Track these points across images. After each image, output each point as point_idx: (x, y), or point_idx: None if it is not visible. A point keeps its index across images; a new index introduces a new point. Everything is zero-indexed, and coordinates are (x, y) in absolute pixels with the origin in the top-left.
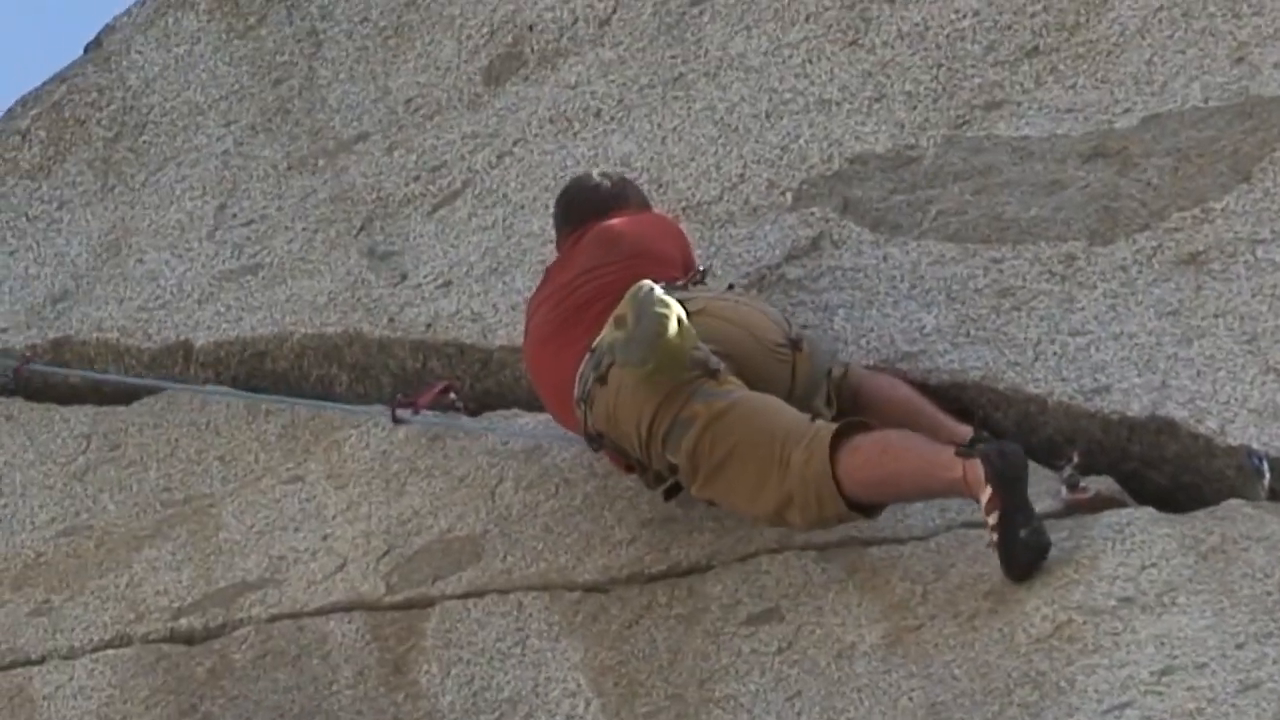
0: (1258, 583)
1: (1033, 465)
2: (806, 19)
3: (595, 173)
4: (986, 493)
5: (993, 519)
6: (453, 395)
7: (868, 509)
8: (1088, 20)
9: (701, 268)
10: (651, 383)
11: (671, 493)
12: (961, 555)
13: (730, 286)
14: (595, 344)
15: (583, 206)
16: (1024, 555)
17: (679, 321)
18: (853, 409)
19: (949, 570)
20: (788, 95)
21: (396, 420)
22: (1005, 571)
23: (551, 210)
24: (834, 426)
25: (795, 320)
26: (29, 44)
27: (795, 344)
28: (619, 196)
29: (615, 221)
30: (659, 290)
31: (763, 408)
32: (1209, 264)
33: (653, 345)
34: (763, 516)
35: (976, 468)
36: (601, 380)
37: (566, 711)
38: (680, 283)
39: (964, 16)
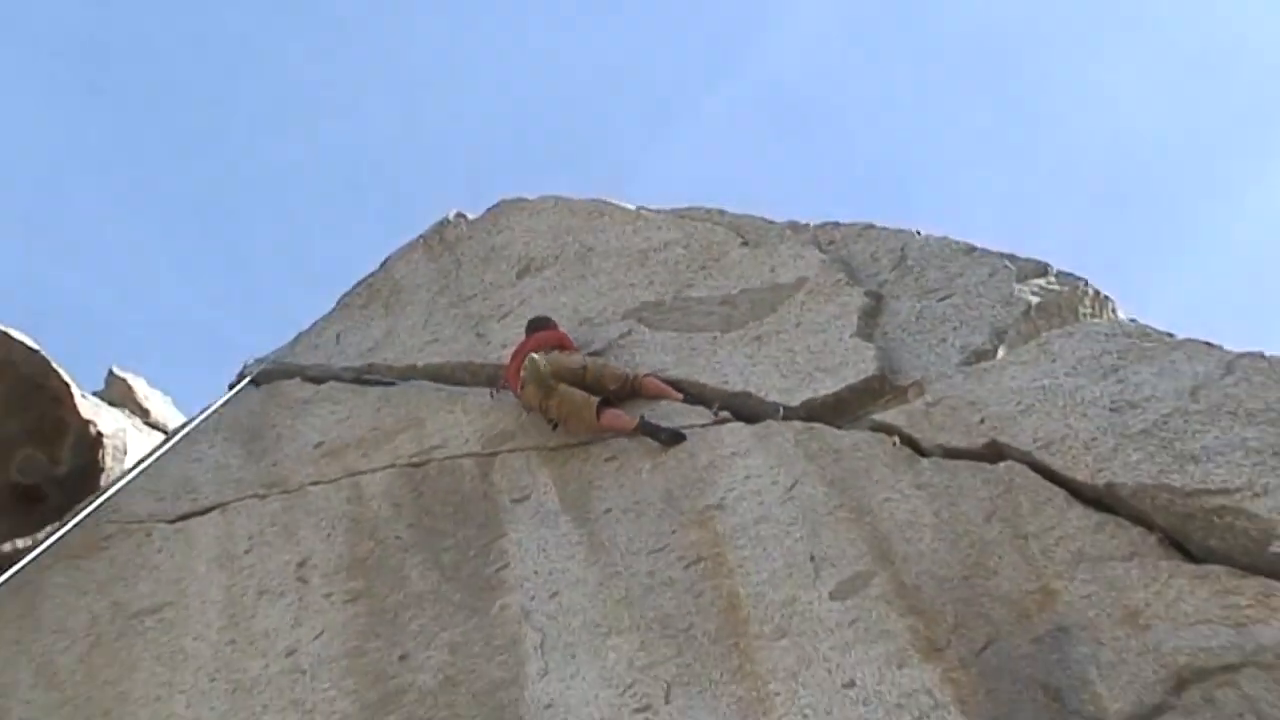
0: None
1: None
2: None
3: (548, 317)
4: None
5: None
6: None
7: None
8: None
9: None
10: (536, 389)
11: (555, 426)
12: None
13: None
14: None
15: (535, 325)
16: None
17: (539, 367)
18: (632, 393)
19: None
20: None
21: None
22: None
23: None
24: (595, 402)
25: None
26: None
27: (585, 368)
28: (552, 323)
29: (541, 334)
30: (537, 356)
31: (570, 395)
32: None
33: (533, 375)
34: (586, 433)
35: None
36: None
37: None
38: (562, 352)
39: None
